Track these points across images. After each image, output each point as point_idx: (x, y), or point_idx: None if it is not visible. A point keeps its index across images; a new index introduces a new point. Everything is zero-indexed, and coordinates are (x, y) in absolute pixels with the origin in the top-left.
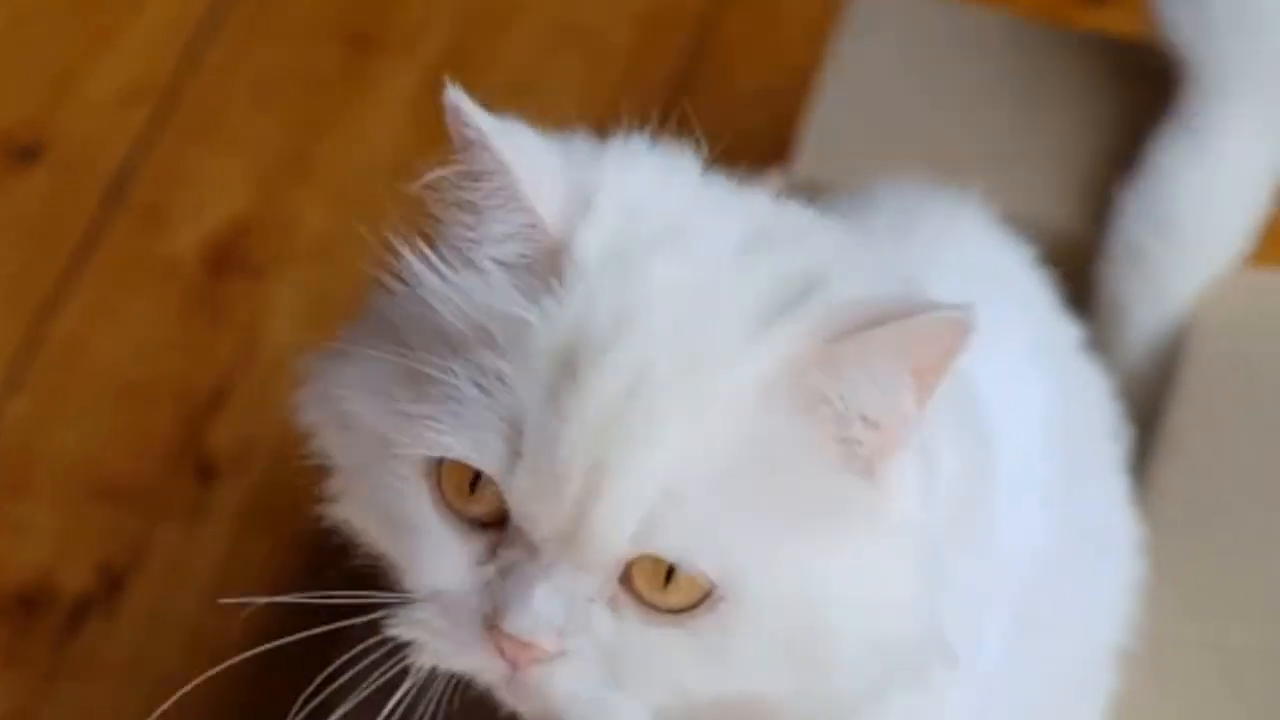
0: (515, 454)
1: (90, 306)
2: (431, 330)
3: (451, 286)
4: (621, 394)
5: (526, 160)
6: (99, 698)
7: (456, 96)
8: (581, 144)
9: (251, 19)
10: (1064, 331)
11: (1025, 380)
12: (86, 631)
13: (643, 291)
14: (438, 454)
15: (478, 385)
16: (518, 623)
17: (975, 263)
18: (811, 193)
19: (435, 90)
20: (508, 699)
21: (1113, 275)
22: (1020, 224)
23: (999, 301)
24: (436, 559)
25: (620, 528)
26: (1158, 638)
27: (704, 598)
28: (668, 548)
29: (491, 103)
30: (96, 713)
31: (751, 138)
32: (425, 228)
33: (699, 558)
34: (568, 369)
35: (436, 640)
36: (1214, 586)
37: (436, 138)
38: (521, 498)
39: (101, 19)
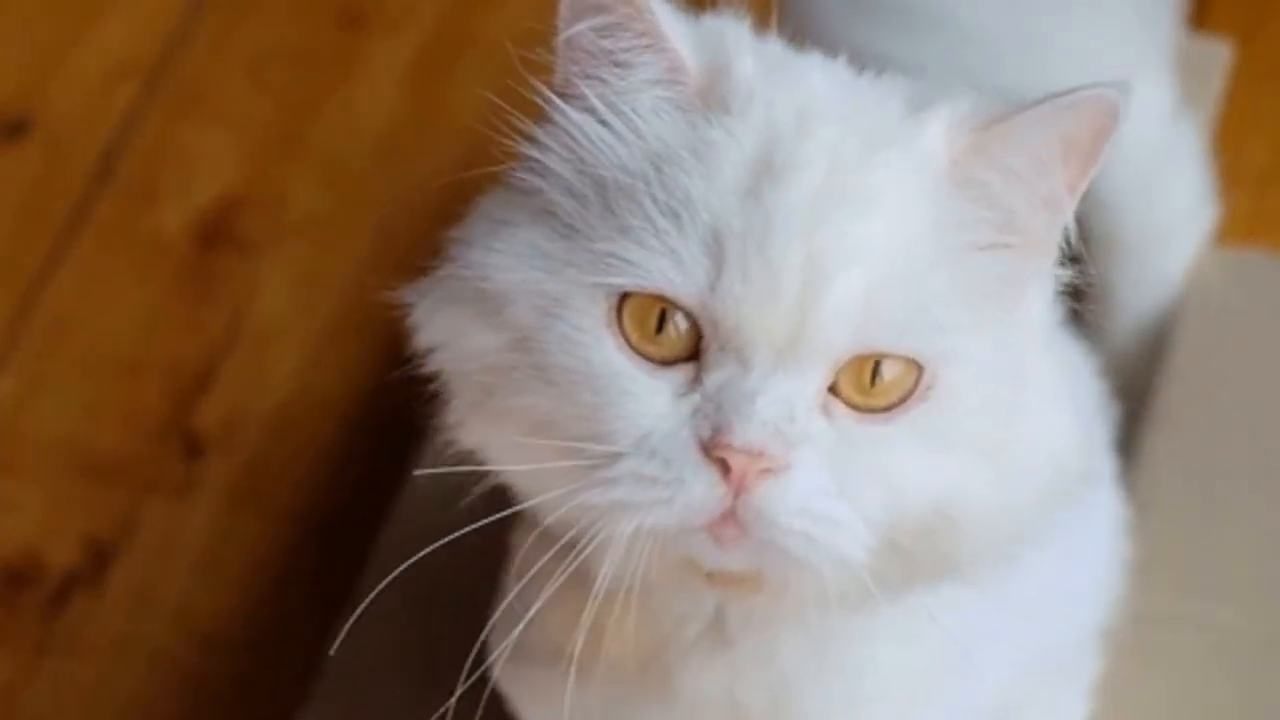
0: (718, 268)
1: (78, 283)
2: (591, 184)
3: (613, 134)
4: (820, 181)
5: (661, 6)
6: (86, 673)
7: None
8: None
9: None
10: (1047, 311)
11: None
12: (73, 607)
13: (810, 95)
14: (634, 286)
15: (663, 213)
16: (746, 433)
17: None
18: None
19: (426, 66)
20: (714, 551)
21: (1095, 256)
22: None
23: None
24: (635, 401)
25: (842, 318)
26: (1146, 617)
27: (910, 392)
28: (884, 336)
29: (484, 80)
30: (83, 688)
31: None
32: (553, 92)
33: (913, 342)
34: (765, 170)
35: (644, 490)
36: (1202, 566)
37: (427, 114)
38: (733, 307)
39: None
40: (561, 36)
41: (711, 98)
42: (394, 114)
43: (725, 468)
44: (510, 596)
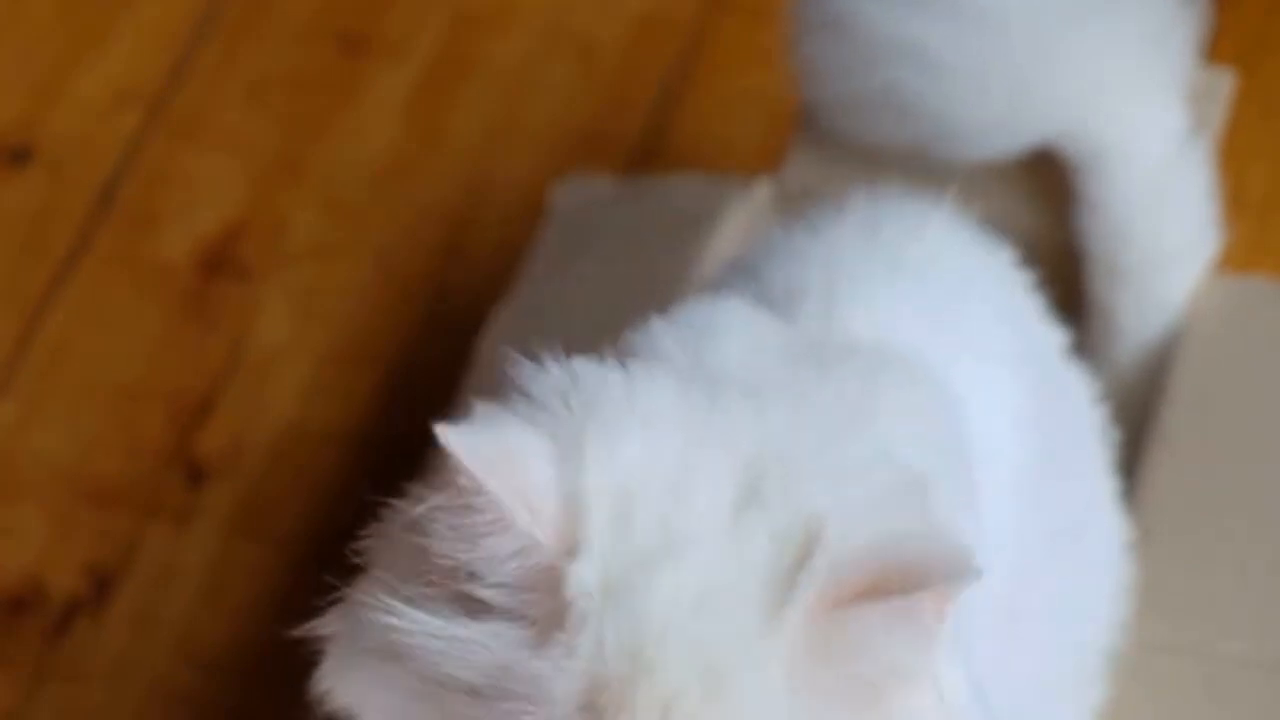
0: None
1: (80, 309)
2: (447, 678)
3: (461, 643)
4: None
5: (515, 485)
6: (87, 699)
7: (448, 437)
8: (566, 415)
9: (243, 21)
10: (1043, 334)
11: (994, 380)
12: (75, 633)
13: (648, 619)
14: None
15: None
16: None
17: (941, 263)
18: (801, 200)
19: (427, 93)
20: None
21: (1096, 282)
22: (1003, 229)
23: (966, 302)
24: None
25: None
26: (1144, 645)
27: None
28: None
29: (483, 106)
30: (84, 715)
31: (742, 142)
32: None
33: None
34: (594, 715)
35: None
36: (1201, 594)
37: (428, 140)
38: None
39: (93, 21)
40: (416, 511)
41: (555, 608)
42: (395, 140)
43: None
44: None
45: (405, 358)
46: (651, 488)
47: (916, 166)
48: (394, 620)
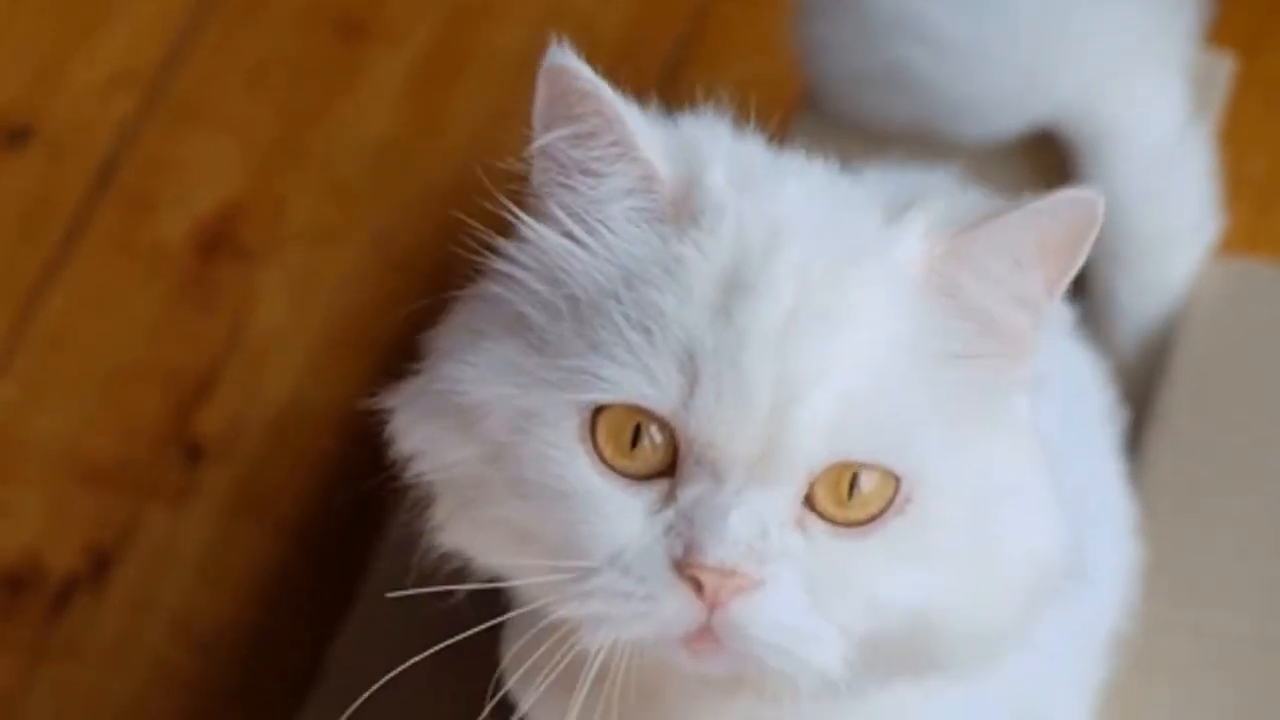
0: (691, 383)
1: (78, 290)
2: (563, 298)
3: (585, 249)
4: (792, 298)
5: (633, 114)
6: (85, 679)
7: (563, 55)
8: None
9: (241, 5)
10: (1057, 310)
11: None
12: (73, 613)
13: (783, 207)
14: (609, 399)
15: (634, 328)
16: (718, 551)
17: None
18: None
19: (427, 76)
20: (690, 662)
21: (1097, 265)
22: None
23: None
24: (608, 518)
25: (816, 433)
26: (1146, 622)
27: (888, 504)
28: (860, 448)
29: (482, 89)
30: (82, 694)
31: (744, 125)
32: (520, 202)
33: (890, 454)
34: (735, 288)
35: (619, 605)
36: (1202, 572)
37: (428, 124)
38: (707, 423)
39: (92, 4)
40: (535, 146)
41: (683, 210)
42: (394, 124)
43: (698, 585)
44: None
45: (403, 340)
46: (749, 151)
47: (919, 147)
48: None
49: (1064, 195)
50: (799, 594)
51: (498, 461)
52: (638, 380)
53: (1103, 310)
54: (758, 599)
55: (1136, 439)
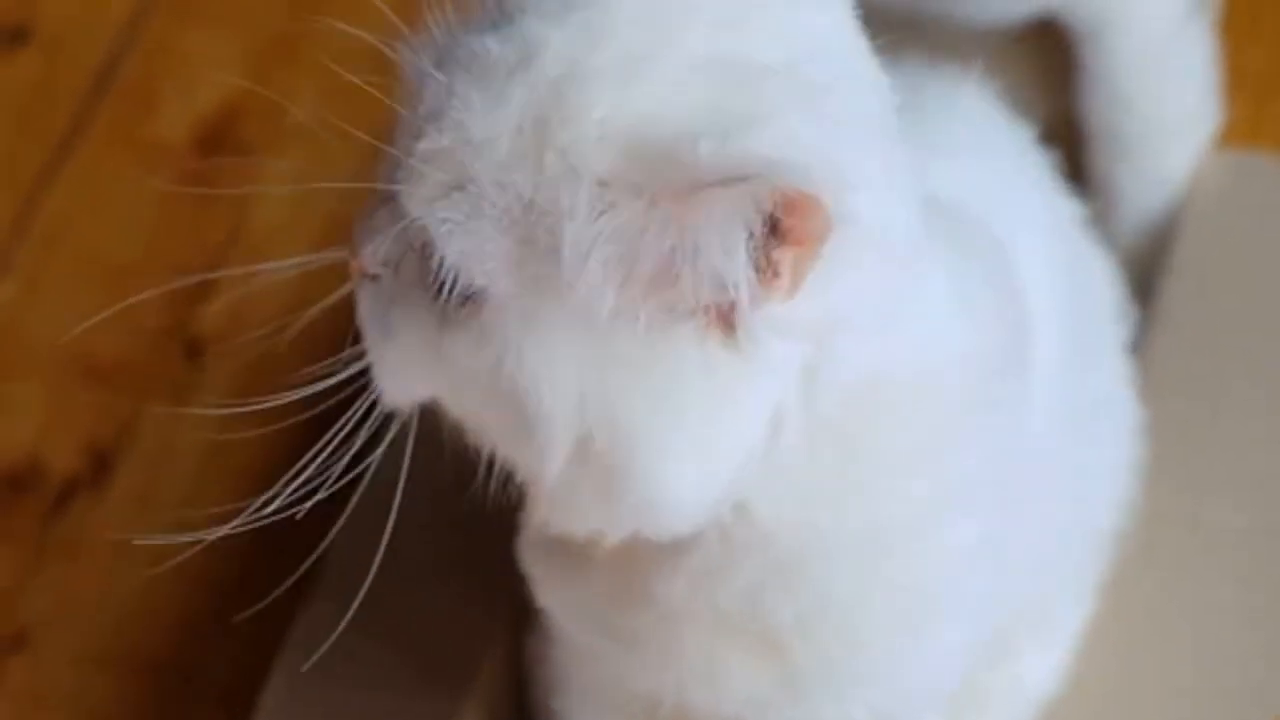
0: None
1: (79, 188)
2: None
3: None
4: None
5: None
6: (86, 577)
7: None
8: None
9: None
10: (1068, 209)
11: (1035, 259)
12: (74, 511)
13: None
14: None
15: None
16: (359, 233)
17: (984, 140)
18: None
19: None
20: None
21: (1097, 157)
22: (1016, 104)
23: (1009, 177)
24: None
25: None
26: (1146, 515)
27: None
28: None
29: None
30: (84, 592)
31: None
32: None
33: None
34: None
35: None
36: (1201, 464)
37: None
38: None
39: None
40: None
41: None
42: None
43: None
44: None
45: None
46: None
47: (917, 39)
48: None
49: (774, 182)
50: (379, 305)
51: None
52: None
53: (1102, 204)
54: (361, 287)
55: (1136, 332)
